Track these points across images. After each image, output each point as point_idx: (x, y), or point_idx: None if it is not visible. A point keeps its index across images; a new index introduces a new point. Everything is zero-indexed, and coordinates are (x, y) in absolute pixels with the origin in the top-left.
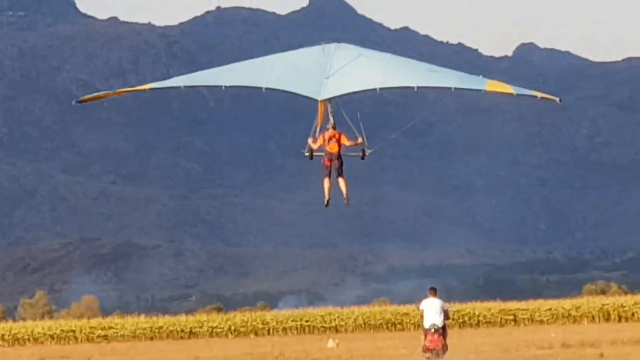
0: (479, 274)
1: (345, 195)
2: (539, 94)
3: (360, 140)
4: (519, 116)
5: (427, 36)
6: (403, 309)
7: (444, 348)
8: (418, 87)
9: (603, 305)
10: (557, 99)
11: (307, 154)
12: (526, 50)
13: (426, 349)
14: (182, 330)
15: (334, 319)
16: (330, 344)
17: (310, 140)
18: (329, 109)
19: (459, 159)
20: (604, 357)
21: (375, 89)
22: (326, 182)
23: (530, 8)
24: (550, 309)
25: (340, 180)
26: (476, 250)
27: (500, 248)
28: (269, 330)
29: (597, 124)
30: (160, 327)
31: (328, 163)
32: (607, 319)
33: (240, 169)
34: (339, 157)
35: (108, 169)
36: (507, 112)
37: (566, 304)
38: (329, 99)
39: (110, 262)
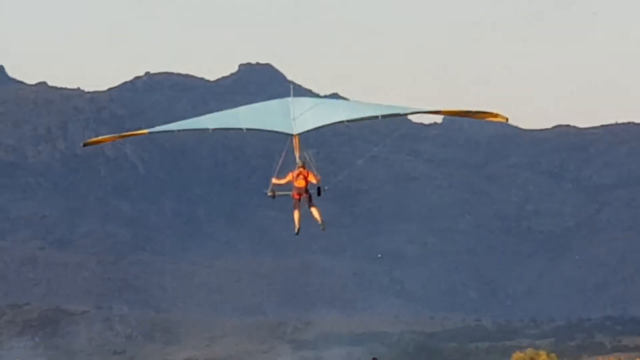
0: (408, 341)
1: (320, 221)
2: (487, 116)
3: (319, 177)
4: (448, 184)
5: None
6: None
7: None
8: (382, 116)
9: None
10: (506, 119)
11: (269, 194)
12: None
13: None
14: None
15: None
16: None
17: (274, 179)
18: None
19: (388, 226)
20: None
21: (342, 122)
22: (296, 214)
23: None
24: None
25: (313, 209)
26: (405, 317)
27: (430, 315)
28: None
29: (527, 192)
30: None
31: (297, 197)
32: None
33: (168, 235)
34: (307, 190)
35: (36, 235)
36: (436, 179)
37: None
38: (300, 134)
39: (38, 328)
